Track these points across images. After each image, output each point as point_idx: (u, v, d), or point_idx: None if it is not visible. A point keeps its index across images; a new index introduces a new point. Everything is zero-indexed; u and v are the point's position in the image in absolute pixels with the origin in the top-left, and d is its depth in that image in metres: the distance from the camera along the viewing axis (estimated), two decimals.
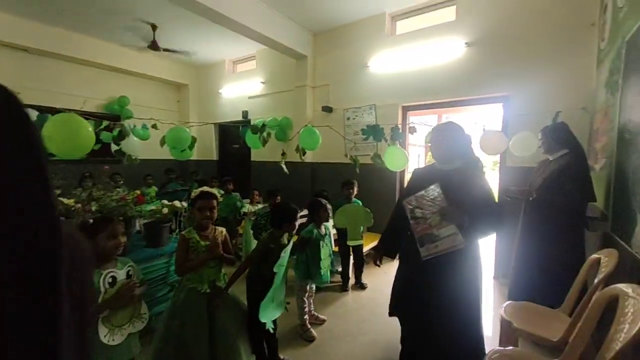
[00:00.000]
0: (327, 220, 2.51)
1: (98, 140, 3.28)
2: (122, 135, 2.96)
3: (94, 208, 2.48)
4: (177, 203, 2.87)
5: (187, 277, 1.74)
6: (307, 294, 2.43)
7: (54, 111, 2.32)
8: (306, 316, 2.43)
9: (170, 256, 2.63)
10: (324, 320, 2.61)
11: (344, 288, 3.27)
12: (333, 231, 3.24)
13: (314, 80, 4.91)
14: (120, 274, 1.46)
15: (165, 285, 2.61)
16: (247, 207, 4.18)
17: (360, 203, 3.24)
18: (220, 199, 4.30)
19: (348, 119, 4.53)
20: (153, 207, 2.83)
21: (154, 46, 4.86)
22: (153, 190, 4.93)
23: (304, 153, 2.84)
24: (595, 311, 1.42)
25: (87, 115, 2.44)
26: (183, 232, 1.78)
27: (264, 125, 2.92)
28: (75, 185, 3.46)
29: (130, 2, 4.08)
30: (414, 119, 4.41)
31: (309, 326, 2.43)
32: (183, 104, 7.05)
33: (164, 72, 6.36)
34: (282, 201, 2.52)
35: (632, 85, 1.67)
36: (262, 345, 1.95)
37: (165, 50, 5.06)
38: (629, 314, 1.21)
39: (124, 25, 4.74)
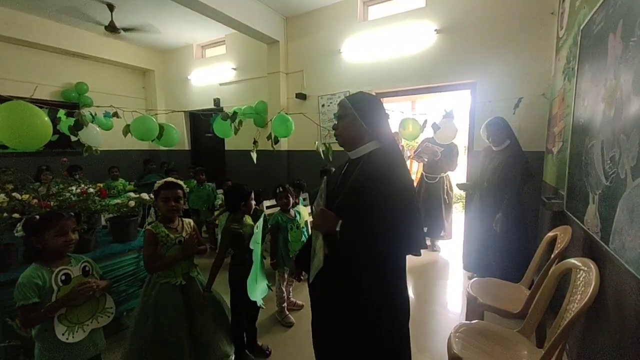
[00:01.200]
0: (291, 206, 2.49)
1: (56, 131, 3.05)
2: (79, 125, 2.75)
3: (52, 203, 2.31)
4: (144, 195, 2.74)
5: (157, 273, 1.67)
6: (285, 282, 2.44)
7: (1, 99, 2.11)
8: (285, 303, 2.44)
9: (139, 251, 2.53)
10: (302, 306, 2.64)
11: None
12: (310, 219, 3.25)
13: (287, 66, 4.80)
14: (75, 271, 1.39)
15: (135, 281, 2.51)
16: (221, 198, 4.09)
17: None
18: (193, 190, 4.17)
19: (322, 105, 4.49)
20: (118, 201, 2.69)
21: (111, 27, 4.50)
22: (121, 183, 4.66)
23: (277, 141, 2.79)
24: (551, 284, 1.54)
25: (40, 103, 2.23)
26: (149, 227, 1.70)
27: (235, 113, 2.83)
28: (31, 179, 3.20)
29: None
30: (388, 105, 4.46)
31: (287, 312, 2.45)
32: (149, 91, 6.67)
33: (127, 56, 5.95)
34: (232, 184, 2.48)
35: (586, 72, 1.77)
36: (242, 333, 1.95)
37: (125, 30, 4.72)
38: (581, 285, 1.32)
39: (77, 3, 4.35)
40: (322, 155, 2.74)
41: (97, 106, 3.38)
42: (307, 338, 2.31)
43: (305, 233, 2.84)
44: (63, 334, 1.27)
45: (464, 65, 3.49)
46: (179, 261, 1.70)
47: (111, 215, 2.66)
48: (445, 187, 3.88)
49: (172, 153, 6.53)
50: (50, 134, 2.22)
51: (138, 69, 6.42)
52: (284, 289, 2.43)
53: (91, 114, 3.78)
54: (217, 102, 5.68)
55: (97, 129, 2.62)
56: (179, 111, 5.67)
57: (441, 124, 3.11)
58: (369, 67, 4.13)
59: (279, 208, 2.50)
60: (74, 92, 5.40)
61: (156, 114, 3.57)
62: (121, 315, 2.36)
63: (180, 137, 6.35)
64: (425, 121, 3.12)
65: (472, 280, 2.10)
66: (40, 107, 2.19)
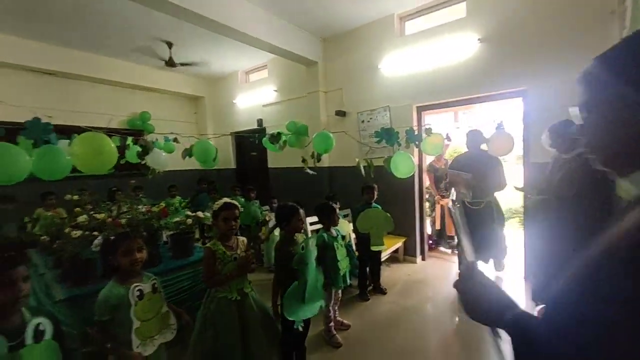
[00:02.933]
0: (336, 224, 2.51)
1: (124, 155, 3.43)
2: (145, 151, 3.08)
3: (123, 221, 2.59)
4: (200, 213, 2.95)
5: (215, 288, 1.78)
6: (332, 301, 2.43)
7: (80, 130, 2.45)
8: (332, 323, 2.43)
9: (194, 266, 2.70)
10: (348, 326, 2.61)
11: (363, 296, 3.22)
12: (352, 235, 3.24)
13: (326, 85, 4.94)
14: (146, 288, 1.51)
15: (191, 296, 2.67)
16: (268, 215, 4.25)
17: (380, 207, 3.22)
18: (242, 207, 4.40)
19: (362, 122, 4.53)
20: (178, 219, 2.92)
21: (170, 63, 5.04)
22: (177, 200, 5.07)
23: (319, 159, 2.86)
24: None
25: (112, 132, 2.55)
26: (208, 245, 1.83)
27: (279, 133, 2.98)
28: (105, 199, 3.62)
29: (146, 23, 4.26)
30: (430, 118, 4.37)
31: (335, 332, 2.43)
32: (200, 116, 7.26)
33: (181, 86, 6.58)
34: (280, 203, 2.58)
35: None
36: (292, 352, 1.98)
37: (182, 64, 5.24)
38: None
39: (142, 44, 4.95)
40: (362, 172, 2.74)
41: (160, 133, 3.75)
42: (353, 357, 2.28)
43: (352, 249, 2.84)
44: (137, 347, 1.39)
45: (512, 73, 3.32)
46: (234, 278, 1.80)
47: (171, 232, 2.89)
48: (494, 213, 3.29)
49: (220, 172, 6.96)
50: (115, 160, 2.50)
51: (190, 96, 7.05)
52: (330, 308, 2.42)
53: (154, 141, 4.21)
54: (260, 122, 6.00)
55: (164, 153, 2.90)
56: (226, 135, 6.08)
57: (495, 137, 2.98)
58: (409, 80, 4.11)
59: (320, 225, 2.53)
60: (139, 120, 6.07)
61: (208, 138, 3.89)
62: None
63: (227, 157, 6.80)
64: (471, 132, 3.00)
65: (539, 308, 1.91)
66: (112, 136, 2.51)
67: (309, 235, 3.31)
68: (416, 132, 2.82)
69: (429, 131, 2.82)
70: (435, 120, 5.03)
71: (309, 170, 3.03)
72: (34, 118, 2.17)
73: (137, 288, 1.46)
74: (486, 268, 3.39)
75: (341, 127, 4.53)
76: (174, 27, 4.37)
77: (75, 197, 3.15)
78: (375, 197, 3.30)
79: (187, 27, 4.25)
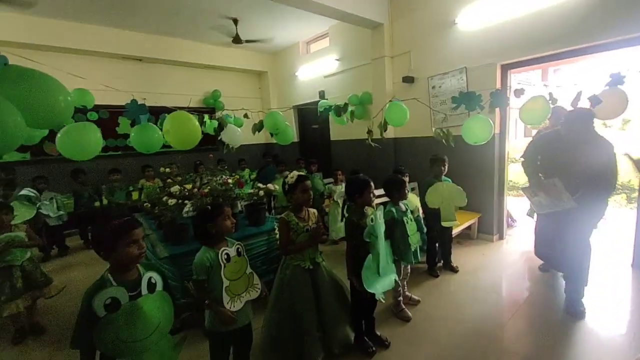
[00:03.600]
0: (406, 198, 2.39)
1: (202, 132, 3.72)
2: (221, 127, 3.30)
3: (206, 190, 2.87)
4: (270, 186, 3.11)
5: (290, 256, 1.89)
6: (401, 276, 2.40)
7: (167, 110, 2.71)
8: (400, 297, 2.42)
9: (268, 234, 2.89)
10: (418, 301, 2.56)
11: (432, 273, 3.11)
12: (419, 210, 3.08)
13: (392, 49, 4.58)
14: (232, 251, 1.65)
15: (266, 260, 2.90)
16: (329, 187, 4.29)
17: (450, 181, 2.98)
18: None
19: (433, 87, 4.13)
20: (250, 190, 3.13)
21: (236, 39, 5.20)
22: (246, 172, 5.47)
23: (385, 129, 2.71)
24: None
25: (191, 110, 2.77)
26: (282, 216, 1.91)
27: (346, 104, 2.88)
28: (190, 172, 4.05)
29: (212, 1, 4.39)
30: (515, 77, 3.78)
31: (403, 306, 2.41)
32: (264, 91, 7.49)
33: (246, 62, 6.80)
34: (351, 176, 2.54)
35: None
36: (361, 320, 2.04)
37: (247, 41, 5.37)
38: None
39: (210, 24, 5.17)
40: (444, 142, 2.53)
41: (229, 109, 3.97)
42: (425, 335, 2.25)
43: (421, 223, 2.71)
44: (227, 303, 1.56)
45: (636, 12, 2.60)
46: (307, 247, 1.88)
47: (246, 202, 3.12)
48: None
49: (283, 145, 7.20)
50: (200, 136, 2.74)
51: (254, 72, 7.27)
52: (399, 282, 2.39)
53: (227, 116, 4.48)
54: (322, 94, 5.93)
55: (238, 129, 3.07)
56: (288, 108, 6.19)
57: (603, 95, 2.41)
58: (493, 34, 3.54)
59: (386, 199, 2.44)
60: (211, 98, 6.53)
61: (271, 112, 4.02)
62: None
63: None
64: (579, 93, 2.46)
65: None
66: (192, 114, 2.73)
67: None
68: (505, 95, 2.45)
69: (519, 92, 2.42)
70: (516, 81, 4.34)
71: (371, 143, 2.90)
72: (132, 100, 2.45)
73: (224, 252, 1.60)
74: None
75: (409, 95, 4.20)
76: (238, 3, 4.43)
77: (167, 170, 3.59)
78: (446, 170, 3.05)
79: (250, 1, 4.29)
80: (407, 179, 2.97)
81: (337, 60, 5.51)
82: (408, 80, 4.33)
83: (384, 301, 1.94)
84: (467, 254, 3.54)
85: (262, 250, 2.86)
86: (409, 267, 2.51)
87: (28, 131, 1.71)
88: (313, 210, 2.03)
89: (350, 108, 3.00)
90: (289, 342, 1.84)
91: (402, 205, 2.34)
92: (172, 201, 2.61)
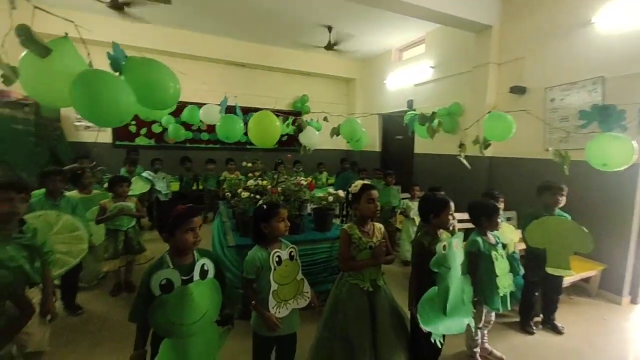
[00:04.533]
0: (497, 228, 1.95)
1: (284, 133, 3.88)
2: (300, 129, 3.37)
3: (279, 189, 2.93)
4: (341, 192, 3.00)
5: (349, 273, 1.72)
6: (481, 322, 1.97)
7: (257, 110, 2.88)
8: (477, 348, 1.98)
9: (332, 241, 2.78)
10: (500, 359, 2.07)
11: (525, 328, 2.48)
12: (520, 246, 2.51)
13: (500, 55, 3.98)
14: (284, 254, 1.57)
15: (327, 268, 2.79)
16: (405, 203, 3.94)
17: (569, 217, 2.34)
18: (379, 190, 4.27)
19: (552, 100, 3.40)
20: (321, 194, 3.08)
21: (329, 46, 5.31)
22: (324, 176, 5.52)
23: (486, 147, 2.28)
24: None
25: (278, 112, 2.88)
26: (345, 227, 1.76)
27: (433, 113, 2.56)
28: (271, 169, 4.27)
29: (308, 10, 4.56)
30: None
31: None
32: (350, 98, 7.51)
33: (335, 69, 6.93)
34: (429, 192, 2.20)
35: None
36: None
37: (339, 49, 5.44)
38: None
39: (305, 32, 5.41)
40: (565, 167, 2.02)
41: (313, 112, 4.03)
42: None
43: (516, 263, 2.20)
44: (273, 307, 1.48)
45: None
46: (367, 267, 1.69)
47: (315, 205, 3.08)
48: None
49: (364, 154, 7.07)
50: (278, 136, 2.82)
51: (343, 79, 7.36)
52: (478, 331, 1.97)
53: (308, 121, 4.61)
54: (410, 103, 5.58)
55: (316, 132, 3.09)
56: (370, 114, 6.01)
57: None
58: None
59: (471, 226, 2.04)
60: (299, 102, 6.85)
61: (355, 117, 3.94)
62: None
63: (372, 139, 6.78)
64: None
65: None
66: (278, 116, 2.83)
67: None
68: None
69: None
70: None
71: (463, 161, 2.50)
72: (224, 97, 2.72)
73: (276, 254, 1.53)
74: None
75: (516, 108, 3.56)
76: (334, 10, 4.50)
77: (249, 165, 3.85)
78: (563, 202, 2.40)
79: (346, 8, 4.29)
80: (501, 205, 2.46)
81: (431, 67, 5.11)
82: (518, 90, 3.68)
83: (439, 344, 1.60)
84: (578, 314, 2.75)
85: (323, 257, 2.76)
86: (492, 313, 2.05)
87: (144, 111, 1.98)
88: (379, 226, 1.82)
89: (437, 119, 2.66)
90: None
91: (491, 236, 1.93)
92: (245, 194, 2.73)
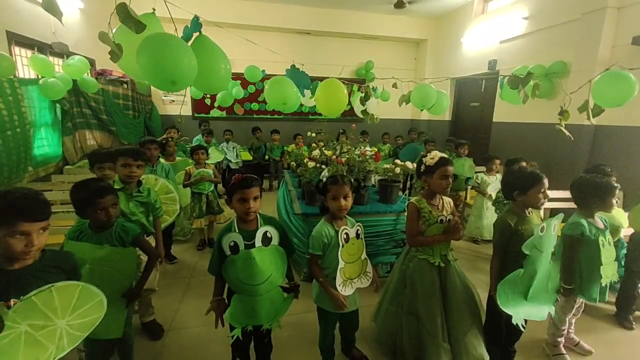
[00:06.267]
0: (611, 210, 1.65)
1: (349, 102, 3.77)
2: (367, 97, 3.23)
3: (343, 159, 2.92)
4: (409, 164, 2.85)
5: (416, 248, 1.66)
6: (571, 312, 1.76)
7: (322, 79, 2.82)
8: (562, 337, 1.79)
9: (397, 215, 2.71)
10: (589, 352, 1.85)
11: (623, 322, 2.15)
12: (625, 229, 2.11)
13: None
14: (351, 232, 1.53)
15: (390, 240, 2.75)
16: (481, 177, 3.58)
17: None
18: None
19: None
20: (387, 166, 2.98)
21: (399, 4, 4.84)
22: (387, 147, 5.33)
23: (599, 113, 1.88)
24: None
25: (342, 80, 2.79)
26: (413, 201, 1.66)
27: (529, 73, 2.17)
28: (333, 140, 4.27)
29: None
30: None
31: (564, 351, 1.79)
32: (420, 62, 6.87)
33: (405, 30, 6.34)
34: (515, 166, 1.92)
35: None
36: (497, 345, 1.64)
37: (410, 2, 4.93)
38: None
39: None
40: None
41: (379, 78, 3.81)
42: None
43: (622, 251, 1.88)
44: (340, 285, 1.48)
45: None
46: (439, 242, 1.60)
47: (380, 177, 3.01)
48: None
49: (431, 123, 6.56)
50: (346, 104, 2.74)
51: (412, 40, 6.71)
52: (566, 320, 1.76)
53: (374, 88, 4.38)
54: (492, 64, 4.88)
55: (378, 101, 2.93)
56: (444, 79, 5.43)
57: None
58: None
59: (566, 205, 1.76)
60: (364, 69, 6.53)
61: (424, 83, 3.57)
62: (377, 265, 2.70)
63: None
64: None
65: None
66: (345, 84, 2.74)
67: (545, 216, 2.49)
68: None
69: None
70: None
71: (564, 130, 2.10)
72: (291, 66, 2.70)
73: (344, 231, 1.50)
74: None
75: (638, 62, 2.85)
76: None
77: (313, 135, 3.88)
78: None
79: None
80: (618, 186, 2.07)
81: (524, 18, 4.31)
82: None
83: (522, 329, 1.48)
84: None
85: (388, 229, 2.73)
86: (582, 301, 1.80)
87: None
88: (448, 199, 1.70)
89: (532, 80, 2.26)
90: (407, 343, 1.63)
91: (599, 220, 1.66)
92: (311, 164, 2.78)
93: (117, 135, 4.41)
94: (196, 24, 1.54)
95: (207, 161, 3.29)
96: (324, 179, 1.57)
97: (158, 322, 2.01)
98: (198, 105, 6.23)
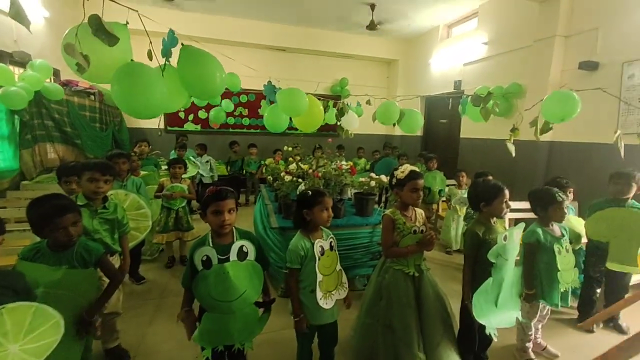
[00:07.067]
0: (561, 220, 1.79)
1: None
2: (342, 112, 3.33)
3: (320, 173, 2.95)
4: (383, 177, 2.94)
5: (391, 259, 1.69)
6: (536, 317, 1.85)
7: None
8: (530, 342, 1.88)
9: (373, 227, 2.75)
10: (555, 356, 1.94)
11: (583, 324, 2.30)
12: (583, 239, 2.28)
13: (569, 26, 3.52)
14: (325, 244, 1.54)
15: (367, 253, 2.78)
16: (451, 189, 3.76)
17: None
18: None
19: (631, 77, 2.97)
20: (362, 179, 3.04)
21: (371, 26, 5.10)
22: (363, 161, 5.45)
23: (547, 130, 2.06)
24: None
25: (317, 96, 2.87)
26: (388, 213, 1.71)
27: (489, 93, 2.36)
28: (310, 154, 4.31)
29: None
30: None
31: (532, 356, 1.87)
32: (392, 80, 7.21)
33: (377, 50, 6.65)
34: (480, 179, 2.06)
35: None
36: (470, 355, 1.68)
37: (382, 24, 5.20)
38: None
39: (347, 11, 5.21)
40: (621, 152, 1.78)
41: (354, 95, 3.94)
42: None
43: (581, 259, 2.03)
44: (320, 299, 1.46)
45: None
46: (413, 253, 1.64)
47: (356, 190, 3.06)
48: None
49: (404, 138, 6.82)
50: (321, 120, 2.82)
51: (385, 60, 7.06)
52: (532, 325, 1.85)
53: (348, 104, 4.52)
54: (457, 84, 5.22)
55: (355, 116, 3.04)
56: (415, 97, 5.72)
57: None
58: None
59: (524, 214, 1.89)
60: (339, 86, 6.73)
61: (395, 101, 3.74)
62: (354, 278, 2.71)
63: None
64: None
65: None
66: (319, 100, 2.82)
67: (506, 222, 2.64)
68: None
69: None
70: None
71: (510, 146, 2.26)
72: (268, 82, 2.73)
73: (319, 244, 1.51)
74: None
75: (586, 86, 3.17)
76: None
77: (290, 149, 3.91)
78: (631, 192, 2.14)
79: None
80: (570, 196, 2.25)
81: (484, 44, 4.69)
82: (588, 66, 3.25)
83: (495, 338, 1.55)
84: None
85: (364, 242, 2.76)
86: (548, 308, 1.91)
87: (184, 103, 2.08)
88: (420, 211, 1.77)
89: (492, 100, 2.44)
90: (383, 355, 1.63)
91: (556, 228, 1.78)
92: (288, 177, 2.78)
93: (82, 149, 4.18)
94: (172, 37, 1.54)
95: (183, 176, 3.20)
96: (309, 192, 1.56)
97: (123, 347, 1.87)
98: (171, 118, 6.07)
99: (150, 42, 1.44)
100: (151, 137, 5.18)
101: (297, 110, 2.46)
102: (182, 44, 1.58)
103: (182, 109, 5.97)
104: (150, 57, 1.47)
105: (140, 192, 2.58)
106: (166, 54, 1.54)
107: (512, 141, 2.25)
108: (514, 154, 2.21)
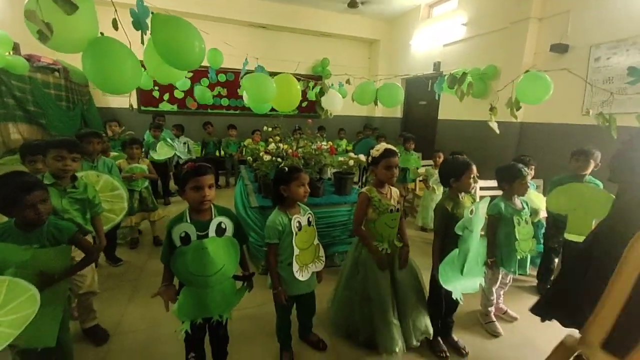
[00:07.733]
0: (523, 193, 1.92)
1: (306, 99, 3.81)
2: (322, 92, 3.30)
3: (299, 154, 2.96)
4: (362, 157, 2.98)
5: (368, 235, 1.76)
6: (497, 284, 2.00)
7: (277, 75, 2.82)
8: (492, 307, 2.04)
9: (352, 205, 2.82)
10: (515, 319, 2.12)
11: (542, 292, 2.50)
12: (542, 213, 2.45)
13: (543, 8, 3.60)
14: (303, 220, 1.58)
15: (345, 230, 2.86)
16: (428, 170, 3.88)
17: (601, 185, 2.23)
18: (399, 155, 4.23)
19: (597, 59, 3.11)
20: (341, 159, 3.08)
21: (352, 3, 4.99)
22: (344, 142, 5.48)
23: (518, 108, 2.16)
24: None
25: (298, 76, 2.82)
26: (364, 190, 1.76)
27: (464, 74, 2.41)
28: (289, 135, 4.29)
29: None
30: None
31: (494, 319, 2.04)
32: (373, 61, 7.16)
33: (358, 29, 6.55)
34: (449, 156, 2.16)
35: None
36: (437, 321, 1.81)
37: (363, 3, 5.10)
38: None
39: None
40: (613, 132, 1.90)
41: (335, 74, 3.91)
42: (515, 357, 1.86)
43: (540, 231, 2.19)
44: (297, 271, 1.52)
45: None
46: (373, 253, 1.69)
47: (335, 170, 3.11)
48: None
49: (385, 120, 6.88)
50: (299, 100, 2.78)
51: (366, 40, 6.97)
52: (493, 291, 2.00)
53: (331, 85, 4.48)
54: (437, 66, 5.27)
55: (339, 95, 3.04)
56: (396, 76, 5.73)
57: None
58: None
59: (496, 192, 2.01)
60: (320, 66, 6.62)
61: (375, 81, 3.74)
62: (333, 255, 2.79)
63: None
64: None
65: None
66: (299, 80, 2.78)
67: (476, 199, 2.78)
68: None
69: None
70: None
71: (493, 125, 2.36)
72: (245, 60, 2.67)
73: (296, 219, 1.54)
74: None
75: (556, 68, 3.30)
76: None
77: (270, 130, 3.87)
78: (588, 169, 2.29)
79: None
80: (531, 172, 2.38)
81: (463, 25, 4.73)
82: (559, 49, 3.37)
83: (461, 302, 1.67)
84: None
85: (343, 220, 2.83)
86: (510, 276, 2.07)
87: (160, 77, 2.01)
88: (396, 190, 1.83)
89: (468, 79, 2.50)
90: (361, 324, 1.74)
91: (518, 201, 1.90)
92: (267, 157, 2.78)
93: (48, 129, 3.95)
94: (143, 7, 1.46)
95: (156, 157, 3.12)
96: (286, 169, 1.57)
97: (102, 327, 1.88)
98: (144, 97, 5.80)
99: (116, 10, 1.37)
100: (122, 117, 4.94)
101: (264, 97, 2.38)
102: (152, 13, 1.50)
103: (156, 88, 5.72)
104: (115, 26, 1.40)
105: (113, 173, 2.50)
106: (141, 26, 1.46)
107: (493, 120, 2.33)
108: (497, 131, 2.30)
